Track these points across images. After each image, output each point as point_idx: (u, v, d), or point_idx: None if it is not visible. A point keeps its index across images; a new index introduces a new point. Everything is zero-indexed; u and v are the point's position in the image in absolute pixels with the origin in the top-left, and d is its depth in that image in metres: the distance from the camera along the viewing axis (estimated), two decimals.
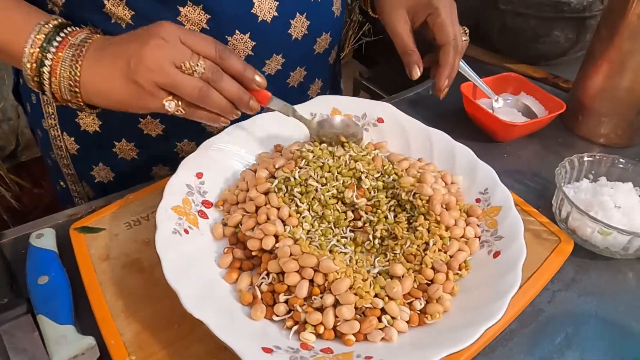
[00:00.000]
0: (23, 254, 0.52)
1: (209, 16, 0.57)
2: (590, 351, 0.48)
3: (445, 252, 0.50)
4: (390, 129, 0.64)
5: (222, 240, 0.52)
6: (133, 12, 0.56)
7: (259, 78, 0.50)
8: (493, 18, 0.91)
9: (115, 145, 0.66)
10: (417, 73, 0.62)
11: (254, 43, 0.61)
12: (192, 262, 0.47)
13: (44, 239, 0.52)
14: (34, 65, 0.47)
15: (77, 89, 0.47)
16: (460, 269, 0.49)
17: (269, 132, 0.61)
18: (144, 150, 0.67)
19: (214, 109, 0.48)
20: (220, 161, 0.57)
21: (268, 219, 0.50)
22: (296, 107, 0.64)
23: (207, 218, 0.53)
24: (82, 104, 0.49)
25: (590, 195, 0.59)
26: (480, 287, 0.47)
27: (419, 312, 0.45)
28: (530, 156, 0.72)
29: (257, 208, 0.52)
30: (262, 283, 0.47)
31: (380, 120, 0.65)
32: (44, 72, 0.47)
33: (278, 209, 0.51)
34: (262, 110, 0.56)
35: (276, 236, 0.49)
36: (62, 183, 0.71)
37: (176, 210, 0.50)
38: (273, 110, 0.56)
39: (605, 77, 0.71)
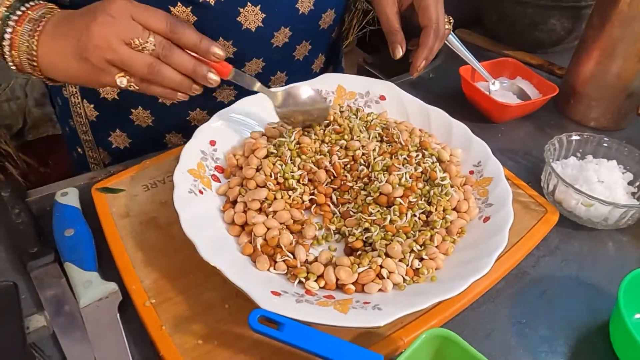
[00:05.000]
0: (48, 211, 0.57)
1: None
2: (569, 309, 0.52)
3: (444, 219, 0.54)
4: (392, 106, 0.68)
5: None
6: None
7: (217, 49, 0.49)
8: (492, 6, 0.95)
9: (132, 112, 0.70)
10: (399, 52, 0.64)
11: (264, 15, 0.64)
12: (206, 219, 0.51)
13: (69, 196, 0.57)
14: None
15: (34, 63, 0.48)
16: (456, 234, 0.53)
17: None
18: (159, 117, 0.70)
19: (168, 84, 0.48)
20: (231, 130, 0.61)
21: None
22: (302, 83, 0.68)
23: (220, 182, 0.57)
24: (41, 77, 0.50)
25: (576, 170, 0.63)
26: (470, 247, 0.51)
27: (415, 269, 0.50)
28: (523, 136, 0.76)
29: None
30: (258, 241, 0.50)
31: (382, 97, 0.69)
32: (4, 45, 0.48)
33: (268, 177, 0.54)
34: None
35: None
36: (79, 149, 0.75)
37: (192, 173, 0.54)
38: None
39: (596, 63, 0.75)
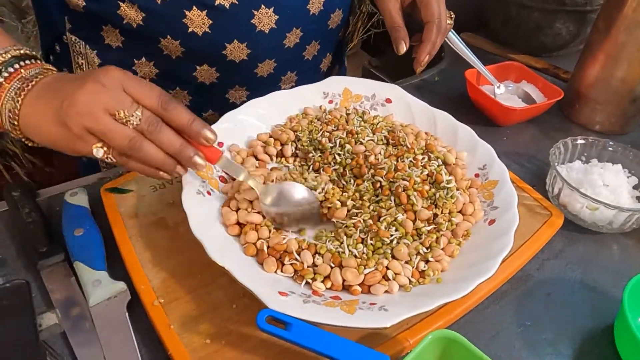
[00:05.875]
0: (58, 211, 0.57)
1: None
2: (574, 312, 0.52)
3: (450, 221, 0.54)
4: (398, 109, 0.68)
5: None
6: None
7: (208, 133, 0.46)
8: (497, 9, 0.96)
9: None
10: (403, 48, 0.65)
11: (277, 17, 0.65)
12: (213, 219, 0.52)
13: (78, 197, 0.57)
14: None
15: (15, 122, 0.46)
16: (462, 237, 0.54)
17: (284, 106, 0.66)
18: None
19: (149, 162, 0.46)
20: (239, 132, 0.62)
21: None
22: (309, 86, 0.69)
23: (227, 182, 0.58)
24: (21, 136, 0.47)
25: (581, 174, 0.63)
26: (476, 249, 0.51)
27: (420, 270, 0.50)
28: (528, 140, 0.77)
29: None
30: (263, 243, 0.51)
31: (388, 100, 0.69)
32: None
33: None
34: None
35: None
36: None
37: (200, 174, 0.55)
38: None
39: (601, 67, 0.75)
